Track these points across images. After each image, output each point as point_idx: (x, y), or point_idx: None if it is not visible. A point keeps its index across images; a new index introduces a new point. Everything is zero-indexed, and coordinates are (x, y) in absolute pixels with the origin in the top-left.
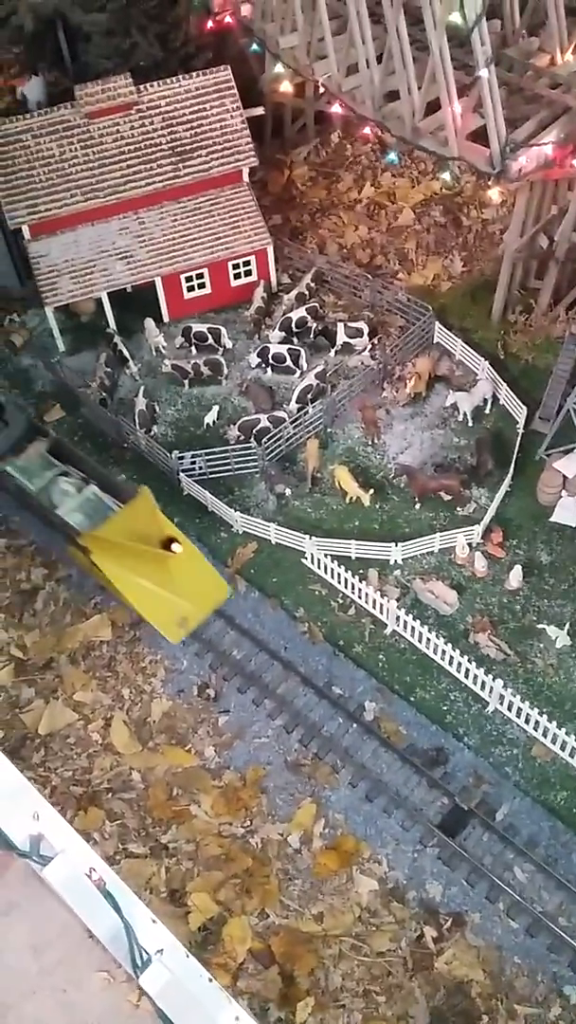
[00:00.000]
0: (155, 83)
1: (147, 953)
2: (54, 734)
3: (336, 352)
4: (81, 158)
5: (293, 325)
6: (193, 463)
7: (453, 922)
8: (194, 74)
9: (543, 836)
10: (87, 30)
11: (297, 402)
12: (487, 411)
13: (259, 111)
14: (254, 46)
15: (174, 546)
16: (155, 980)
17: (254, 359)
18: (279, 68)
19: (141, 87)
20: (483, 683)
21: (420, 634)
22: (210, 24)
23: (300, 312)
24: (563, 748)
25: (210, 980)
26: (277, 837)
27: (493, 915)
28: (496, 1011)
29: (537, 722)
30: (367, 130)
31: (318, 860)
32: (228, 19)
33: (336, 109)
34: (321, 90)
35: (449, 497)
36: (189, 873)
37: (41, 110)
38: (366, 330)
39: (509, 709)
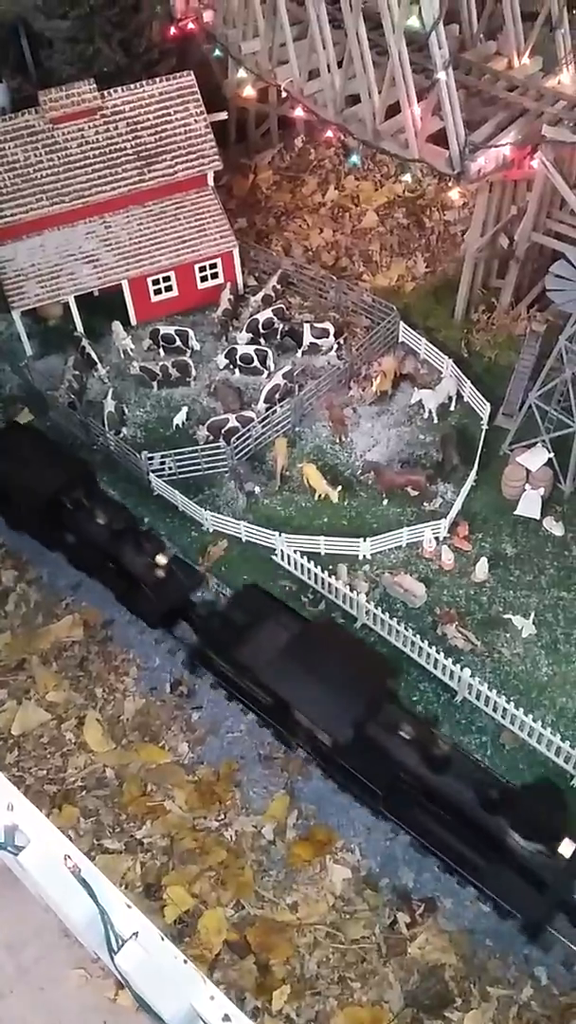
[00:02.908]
0: (119, 88)
1: (122, 938)
2: (27, 734)
3: (303, 352)
4: (46, 163)
5: (260, 326)
6: (163, 464)
7: (425, 908)
8: (158, 79)
9: None
10: (50, 36)
11: (265, 402)
12: (452, 408)
13: (223, 116)
14: (217, 51)
15: None
16: (130, 959)
17: (222, 360)
18: (242, 73)
19: (105, 92)
20: (452, 673)
21: (389, 627)
22: (173, 30)
23: (267, 313)
24: (530, 735)
25: (185, 961)
26: (251, 829)
27: (464, 900)
28: (469, 993)
29: (505, 710)
30: (330, 133)
31: (292, 851)
32: (191, 25)
33: (299, 113)
34: (284, 94)
35: (416, 492)
36: (164, 867)
37: (5, 116)
38: (332, 330)
39: (477, 698)
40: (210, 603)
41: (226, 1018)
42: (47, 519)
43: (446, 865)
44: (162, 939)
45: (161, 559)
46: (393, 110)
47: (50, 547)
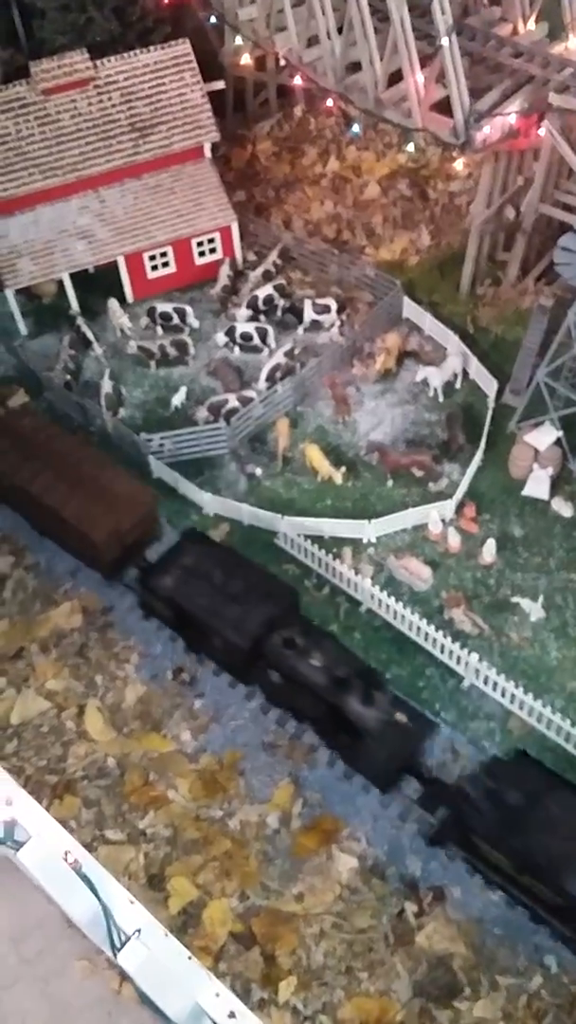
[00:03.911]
0: (112, 58)
1: (125, 934)
2: (27, 723)
3: (304, 329)
4: (38, 136)
5: (260, 303)
6: (162, 445)
7: (433, 896)
8: (152, 48)
9: None
10: (41, 6)
11: (266, 381)
12: (457, 386)
13: (220, 85)
14: (212, 19)
15: None
16: (133, 958)
17: (221, 338)
18: (239, 41)
19: (98, 62)
20: (458, 658)
21: (395, 611)
22: None
23: (267, 289)
24: (539, 720)
25: (189, 958)
26: (256, 818)
27: (473, 888)
28: (478, 983)
29: (513, 695)
30: (330, 103)
31: (297, 840)
32: None
33: (298, 82)
34: (282, 63)
35: (421, 473)
36: (168, 858)
37: None
38: (334, 306)
39: (485, 683)
40: (475, 778)
41: (232, 1015)
42: (248, 655)
43: None
44: (166, 935)
45: (400, 717)
46: (395, 78)
47: (246, 682)
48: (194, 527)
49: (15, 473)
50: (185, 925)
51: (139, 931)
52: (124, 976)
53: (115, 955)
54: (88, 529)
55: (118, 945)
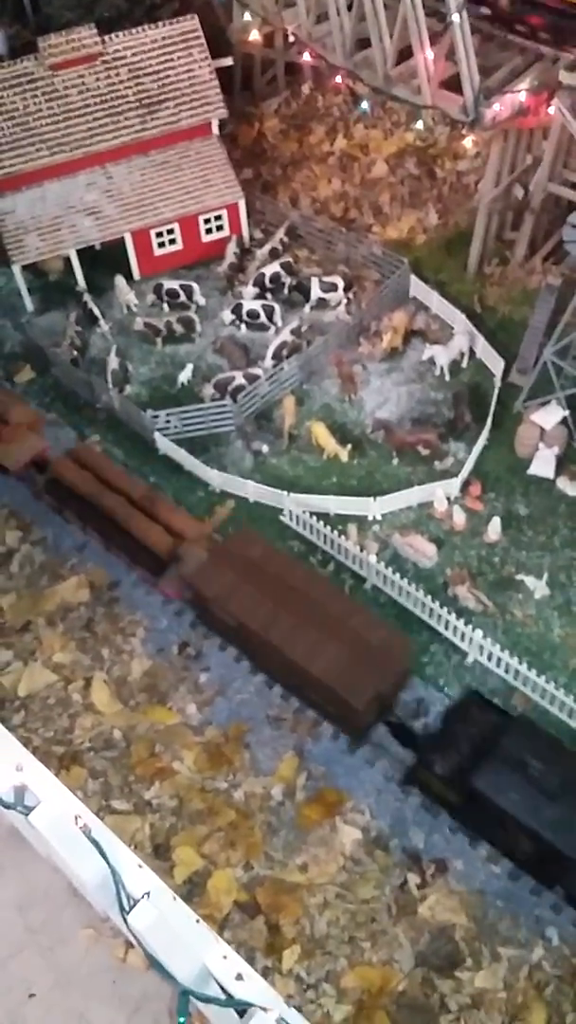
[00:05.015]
0: (120, 33)
1: (134, 899)
2: (34, 696)
3: (311, 307)
4: (46, 111)
5: (267, 280)
6: (168, 422)
7: (436, 868)
8: (160, 24)
9: None
10: None
11: (272, 358)
12: (464, 365)
13: (228, 62)
14: None
15: None
16: (143, 919)
17: (228, 316)
18: (247, 17)
19: (106, 38)
20: (463, 634)
21: (400, 588)
22: None
23: (274, 267)
24: (542, 696)
25: (197, 921)
26: (260, 790)
27: (475, 861)
28: (480, 953)
29: (517, 671)
30: (338, 80)
31: (301, 812)
32: None
33: (306, 58)
34: (291, 39)
35: (427, 451)
36: (173, 828)
37: (3, 63)
38: (341, 284)
39: (489, 659)
40: None
41: (239, 977)
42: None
43: None
44: (174, 899)
45: None
46: (405, 55)
47: (549, 886)
48: (476, 690)
49: (246, 615)
50: (190, 894)
51: (148, 894)
52: (129, 944)
53: (125, 917)
54: (346, 693)
55: (127, 909)
